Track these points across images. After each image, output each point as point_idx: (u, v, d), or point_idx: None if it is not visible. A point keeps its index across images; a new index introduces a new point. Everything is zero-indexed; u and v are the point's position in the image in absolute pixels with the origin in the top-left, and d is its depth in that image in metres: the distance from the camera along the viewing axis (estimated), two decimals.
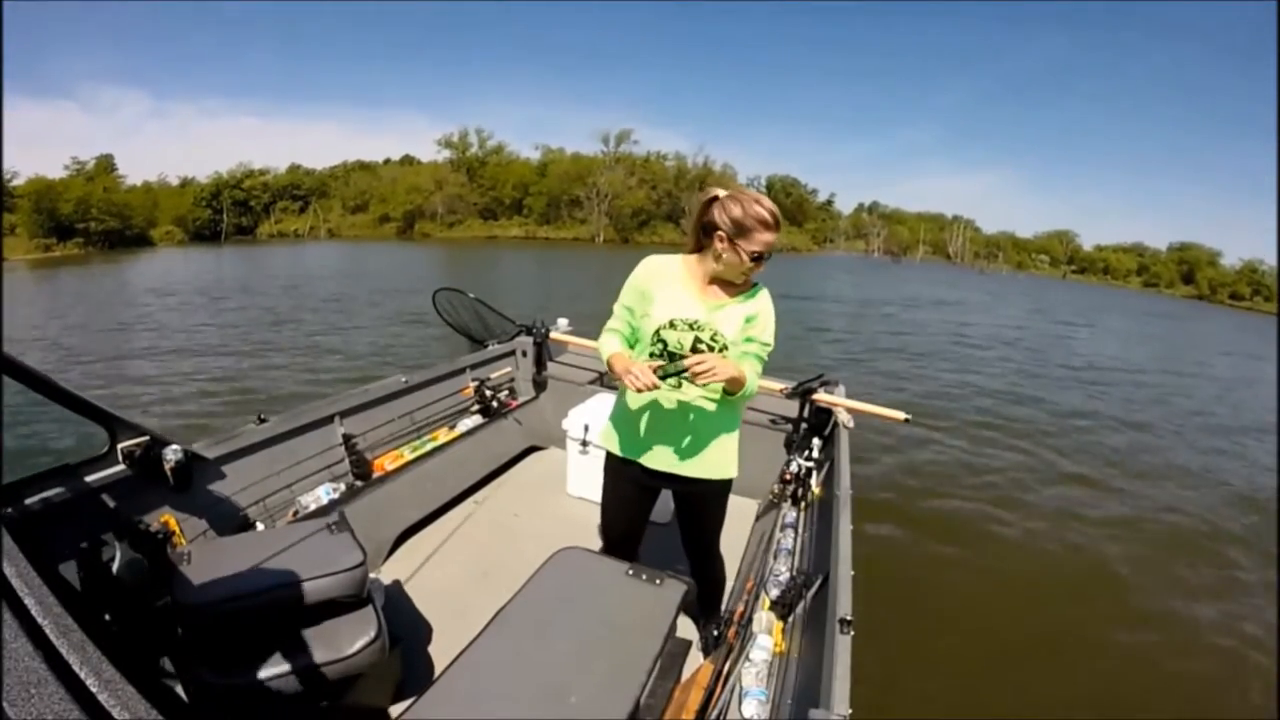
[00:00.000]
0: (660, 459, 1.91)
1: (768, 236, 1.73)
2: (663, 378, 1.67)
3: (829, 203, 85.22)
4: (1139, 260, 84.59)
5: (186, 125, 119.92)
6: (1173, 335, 27.21)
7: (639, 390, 1.67)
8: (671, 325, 1.81)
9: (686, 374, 1.63)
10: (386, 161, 70.67)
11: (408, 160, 70.34)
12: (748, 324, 1.82)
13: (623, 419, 1.98)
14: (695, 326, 1.80)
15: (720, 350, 1.77)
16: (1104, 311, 34.90)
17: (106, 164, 51.83)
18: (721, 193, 1.77)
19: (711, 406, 1.86)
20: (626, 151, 67.53)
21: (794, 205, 77.14)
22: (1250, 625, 4.20)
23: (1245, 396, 13.06)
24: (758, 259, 1.74)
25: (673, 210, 63.22)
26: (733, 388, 1.74)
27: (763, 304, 1.85)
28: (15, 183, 42.13)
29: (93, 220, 42.13)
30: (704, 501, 2.02)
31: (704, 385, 1.74)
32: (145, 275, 24.01)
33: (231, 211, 57.37)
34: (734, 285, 1.85)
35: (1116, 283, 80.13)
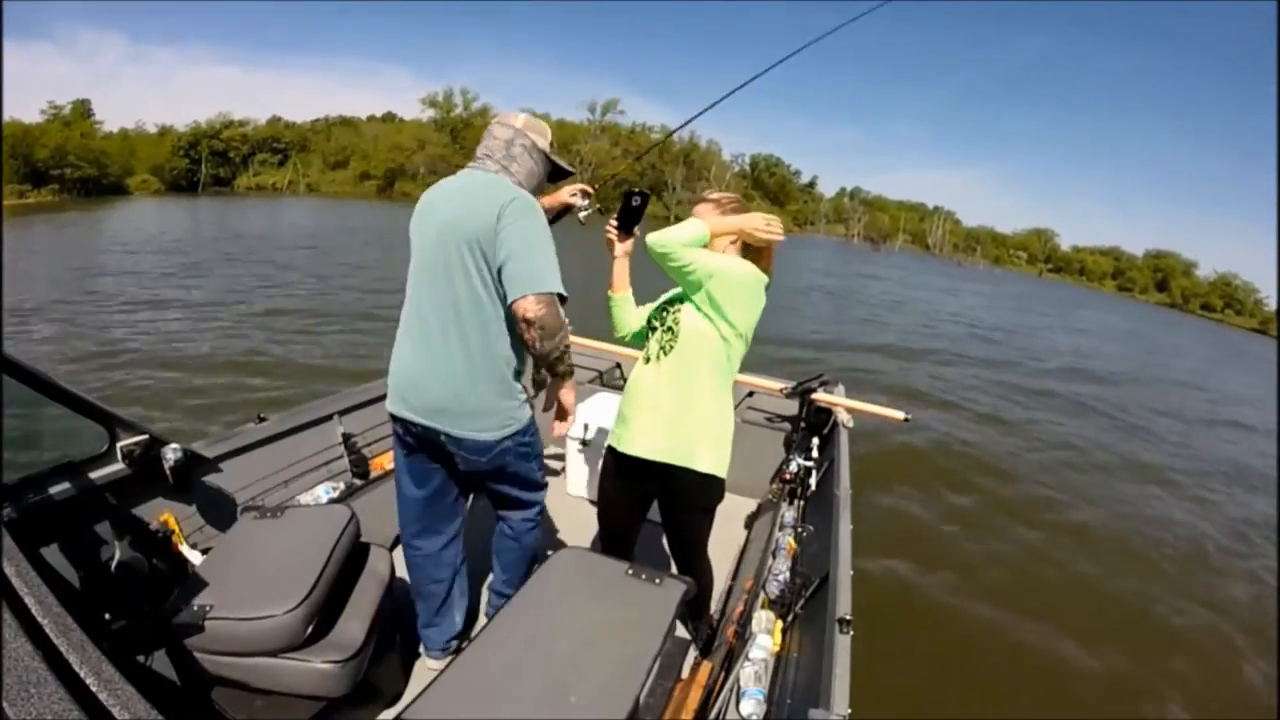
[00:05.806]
0: (638, 444, 1.87)
1: None
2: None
3: (812, 185, 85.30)
4: (1115, 264, 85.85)
5: (166, 72, 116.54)
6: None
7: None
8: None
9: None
10: (370, 118, 69.11)
11: (391, 117, 68.90)
12: None
13: (619, 410, 1.97)
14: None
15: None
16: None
17: (83, 109, 50.21)
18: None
19: (694, 392, 1.80)
20: (612, 121, 66.93)
21: (777, 185, 77.27)
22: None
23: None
24: None
25: (655, 183, 62.79)
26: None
27: None
28: None
29: (69, 167, 40.87)
30: (682, 497, 1.91)
31: None
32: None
33: (209, 162, 55.98)
34: None
35: (1091, 284, 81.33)
